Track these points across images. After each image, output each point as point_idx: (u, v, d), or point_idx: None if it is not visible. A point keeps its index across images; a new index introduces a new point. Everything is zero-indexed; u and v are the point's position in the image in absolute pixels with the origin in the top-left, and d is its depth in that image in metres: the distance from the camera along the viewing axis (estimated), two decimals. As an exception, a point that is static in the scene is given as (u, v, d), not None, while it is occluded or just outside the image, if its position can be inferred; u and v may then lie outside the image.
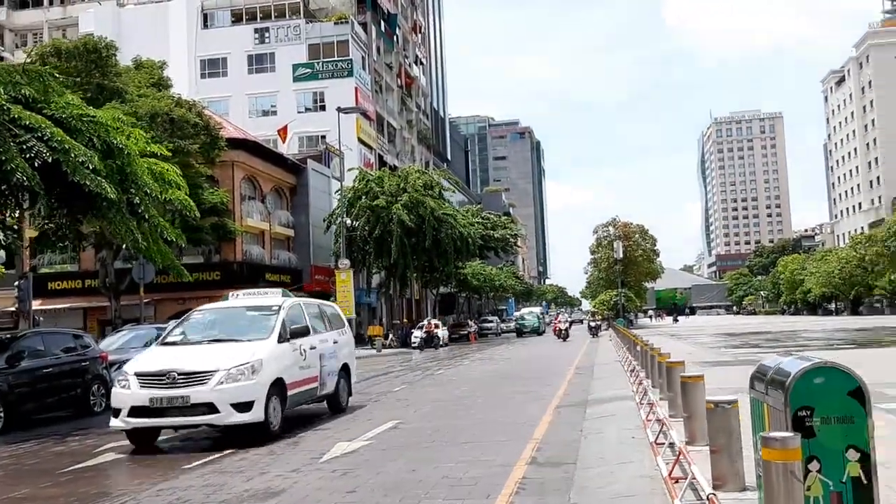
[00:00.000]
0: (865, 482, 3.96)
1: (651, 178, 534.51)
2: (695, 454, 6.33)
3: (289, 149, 48.93)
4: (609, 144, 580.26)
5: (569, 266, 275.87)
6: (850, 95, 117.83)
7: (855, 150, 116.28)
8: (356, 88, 53.85)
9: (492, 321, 64.78)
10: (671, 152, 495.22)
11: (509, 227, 63.22)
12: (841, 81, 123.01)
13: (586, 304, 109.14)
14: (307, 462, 8.56)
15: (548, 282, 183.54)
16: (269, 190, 42.11)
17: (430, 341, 39.23)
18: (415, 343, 39.43)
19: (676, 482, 5.78)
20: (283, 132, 48.25)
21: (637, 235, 75.93)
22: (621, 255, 70.64)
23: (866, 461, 3.97)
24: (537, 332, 57.86)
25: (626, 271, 72.82)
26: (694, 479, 5.37)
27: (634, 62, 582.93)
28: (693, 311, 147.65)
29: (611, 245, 73.26)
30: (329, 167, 46.55)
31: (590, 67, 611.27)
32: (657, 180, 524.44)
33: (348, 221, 41.71)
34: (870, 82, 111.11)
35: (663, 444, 7.26)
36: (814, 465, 3.99)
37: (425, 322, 42.88)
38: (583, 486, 6.59)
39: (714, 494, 4.40)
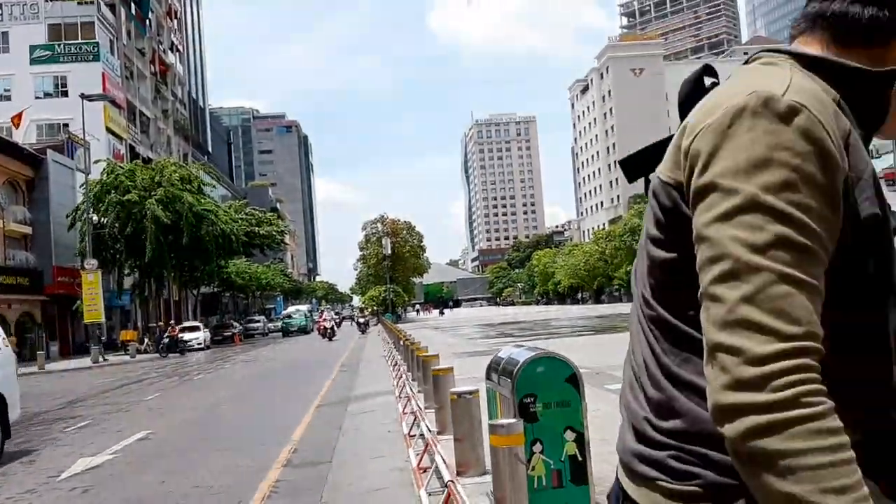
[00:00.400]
0: (580, 459, 4.37)
1: (420, 175, 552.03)
2: (445, 443, 6.61)
3: (25, 137, 44.27)
4: (378, 142, 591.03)
5: (340, 262, 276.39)
6: (593, 103, 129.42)
7: (598, 153, 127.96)
8: (104, 74, 49.89)
9: (258, 321, 63.18)
10: (439, 151, 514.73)
11: (276, 223, 62.00)
12: (585, 90, 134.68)
13: (357, 301, 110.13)
14: (44, 481, 7.86)
15: (318, 279, 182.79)
16: (2, 183, 37.86)
17: (173, 347, 35.78)
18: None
19: (424, 472, 6.00)
20: (16, 119, 43.50)
21: (405, 232, 77.90)
22: (389, 252, 72.17)
23: (581, 440, 4.38)
24: (305, 330, 57.23)
25: (395, 267, 74.45)
26: (438, 467, 5.61)
27: (400, 62, 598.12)
28: (458, 304, 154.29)
29: (379, 241, 74.57)
30: (73, 159, 42.74)
31: (357, 66, 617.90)
32: (425, 178, 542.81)
33: (95, 218, 38.55)
34: (609, 91, 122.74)
35: (416, 435, 7.51)
36: (537, 448, 4.33)
37: (170, 326, 39.26)
38: (336, 485, 6.64)
39: (453, 481, 4.62)
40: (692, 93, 1.03)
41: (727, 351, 0.81)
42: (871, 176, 0.91)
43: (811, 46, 1.01)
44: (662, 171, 0.98)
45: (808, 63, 0.97)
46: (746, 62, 1.04)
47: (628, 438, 1.05)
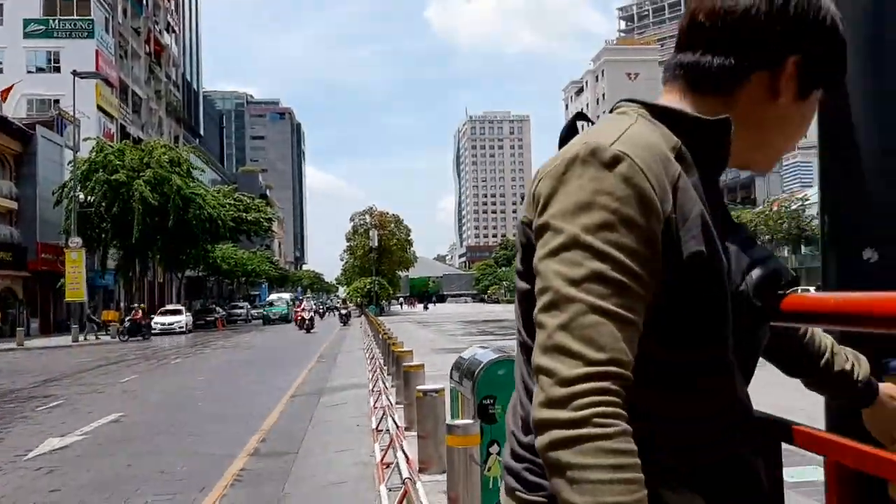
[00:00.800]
0: (536, 462, 4.42)
1: (410, 169, 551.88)
2: (411, 439, 6.66)
3: (15, 112, 43.95)
4: (371, 133, 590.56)
5: (327, 252, 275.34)
6: (587, 105, 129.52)
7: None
8: (97, 51, 49.58)
9: (242, 307, 62.92)
10: (431, 145, 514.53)
11: (264, 210, 61.74)
12: (580, 92, 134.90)
13: (343, 291, 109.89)
14: (10, 460, 7.88)
15: (305, 267, 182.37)
16: (-11, 157, 37.63)
17: (135, 331, 34.39)
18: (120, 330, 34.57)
19: (388, 467, 6.05)
20: (4, 93, 43.13)
21: (392, 225, 77.75)
22: (376, 244, 72.07)
23: (536, 443, 4.42)
24: (286, 319, 56.85)
25: (381, 259, 74.31)
26: (399, 464, 5.65)
27: (397, 54, 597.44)
28: (442, 299, 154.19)
29: (367, 233, 74.46)
30: (63, 135, 42.47)
31: (353, 57, 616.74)
32: (416, 172, 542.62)
33: (82, 196, 38.30)
34: (603, 94, 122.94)
35: (383, 430, 7.55)
36: (494, 448, 4.38)
37: (133, 308, 37.65)
38: (299, 476, 6.68)
39: (409, 478, 4.67)
40: (567, 137, 1.11)
41: (545, 372, 0.90)
42: (699, 216, 0.98)
43: (672, 94, 1.10)
44: (521, 211, 1.08)
45: (655, 112, 1.06)
46: (611, 110, 1.13)
47: (505, 452, 1.14)
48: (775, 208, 59.38)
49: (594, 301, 0.90)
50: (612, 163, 0.94)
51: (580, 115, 1.14)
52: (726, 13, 1.04)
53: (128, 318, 35.28)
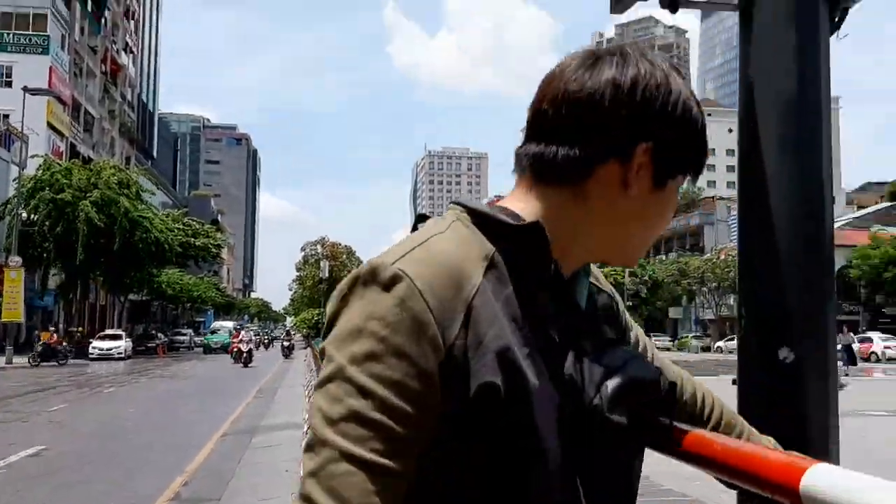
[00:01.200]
0: None
1: (366, 201, 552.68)
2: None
3: (-40, 124, 42.76)
4: (328, 164, 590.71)
5: (276, 281, 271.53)
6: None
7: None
8: (51, 68, 48.65)
9: (185, 334, 61.58)
10: (389, 178, 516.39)
11: (213, 235, 60.86)
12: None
13: (290, 321, 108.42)
14: (-85, 497, 7.43)
15: (253, 295, 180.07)
16: (-72, 169, 36.43)
17: (49, 355, 31.80)
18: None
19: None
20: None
21: (344, 256, 77.49)
22: (327, 275, 71.54)
23: None
24: (227, 349, 55.59)
25: (331, 291, 73.74)
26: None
27: (359, 86, 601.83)
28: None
29: (317, 263, 73.99)
30: (10, 151, 41.35)
31: (315, 85, 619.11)
32: (372, 204, 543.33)
33: (25, 214, 37.25)
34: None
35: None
36: None
37: (48, 331, 35.52)
38: (220, 524, 6.42)
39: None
40: None
41: None
42: (496, 339, 0.85)
43: (521, 187, 0.99)
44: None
45: (473, 216, 0.94)
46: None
47: None
48: (722, 256, 60.61)
49: (346, 446, 0.79)
50: (390, 284, 0.83)
51: (421, 217, 1.00)
52: (570, 99, 0.95)
53: (41, 342, 32.81)
